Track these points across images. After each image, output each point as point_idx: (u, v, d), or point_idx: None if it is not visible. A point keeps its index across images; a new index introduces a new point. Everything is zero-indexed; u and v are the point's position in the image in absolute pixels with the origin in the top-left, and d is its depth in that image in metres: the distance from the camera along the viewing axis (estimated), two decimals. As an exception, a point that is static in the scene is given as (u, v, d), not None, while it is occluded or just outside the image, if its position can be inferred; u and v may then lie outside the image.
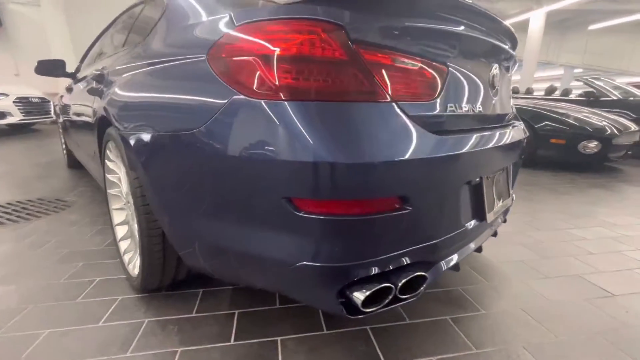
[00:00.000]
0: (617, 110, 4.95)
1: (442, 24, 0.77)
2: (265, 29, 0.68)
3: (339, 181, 0.60)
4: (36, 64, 2.35)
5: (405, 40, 0.71)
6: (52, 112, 6.09)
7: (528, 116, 3.82)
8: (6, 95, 5.26)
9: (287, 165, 0.61)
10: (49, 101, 6.09)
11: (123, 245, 1.28)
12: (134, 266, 1.18)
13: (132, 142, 0.93)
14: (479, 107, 0.93)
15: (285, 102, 0.62)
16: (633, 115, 4.84)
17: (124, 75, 1.09)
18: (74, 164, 3.28)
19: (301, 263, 0.67)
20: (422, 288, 0.78)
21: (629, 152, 3.81)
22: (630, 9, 10.71)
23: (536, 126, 3.75)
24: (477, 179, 0.90)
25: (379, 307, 0.72)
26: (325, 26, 0.64)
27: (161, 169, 0.87)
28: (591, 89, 5.25)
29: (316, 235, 0.64)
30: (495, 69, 1.01)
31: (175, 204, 0.87)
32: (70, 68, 2.47)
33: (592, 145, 3.48)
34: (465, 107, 0.86)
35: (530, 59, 11.59)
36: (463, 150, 0.76)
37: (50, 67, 2.39)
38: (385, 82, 0.68)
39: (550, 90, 6.18)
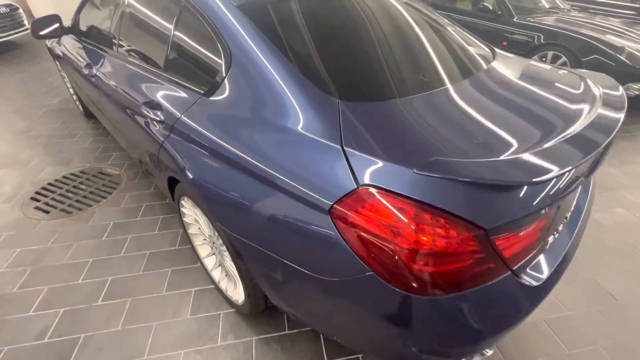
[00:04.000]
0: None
1: (560, 196, 0.75)
2: (402, 209, 0.67)
3: None
4: (31, 25, 2.00)
5: (529, 219, 0.72)
6: (27, 23, 5.28)
7: (576, 47, 3.42)
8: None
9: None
10: (17, 8, 5.17)
11: (215, 275, 1.47)
12: (236, 294, 1.36)
13: (244, 250, 0.99)
14: (570, 211, 0.96)
15: (422, 297, 0.69)
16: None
17: (205, 153, 1.02)
18: (89, 113, 3.14)
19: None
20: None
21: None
22: None
23: (583, 60, 3.41)
24: None
25: None
26: (471, 227, 0.65)
27: (279, 279, 0.95)
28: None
29: None
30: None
31: (287, 299, 1.01)
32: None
33: (637, 87, 3.27)
34: (562, 224, 0.90)
35: None
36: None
37: (46, 25, 2.04)
38: (509, 258, 0.73)
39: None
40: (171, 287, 1.57)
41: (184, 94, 1.16)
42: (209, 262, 1.52)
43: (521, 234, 0.73)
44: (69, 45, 2.26)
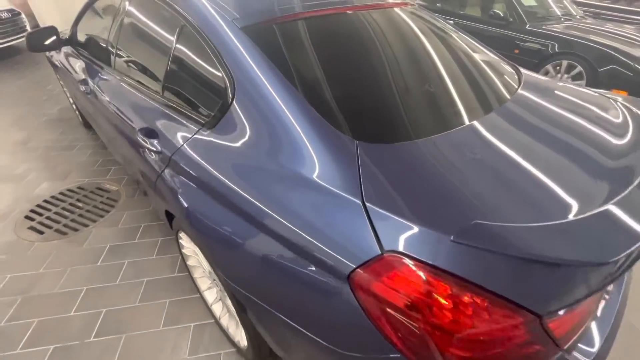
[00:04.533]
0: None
1: (630, 264, 0.62)
2: (436, 284, 0.56)
3: None
4: (25, 38, 1.91)
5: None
6: (29, 29, 5.23)
7: (593, 56, 3.29)
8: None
9: None
10: (20, 13, 5.12)
11: (216, 310, 1.37)
12: (238, 334, 1.24)
13: (248, 304, 0.88)
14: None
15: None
16: None
17: (205, 194, 0.92)
18: (89, 123, 3.06)
19: None
20: None
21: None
22: None
23: (600, 70, 3.28)
24: None
25: None
26: (521, 312, 0.54)
27: (288, 341, 0.85)
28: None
29: None
30: None
31: (289, 349, 0.90)
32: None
33: (656, 99, 3.14)
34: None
35: None
36: None
37: (42, 37, 1.96)
38: (560, 338, 0.61)
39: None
40: (169, 321, 1.46)
41: (182, 123, 1.06)
42: (209, 296, 1.42)
43: (576, 310, 0.62)
44: (66, 58, 2.17)
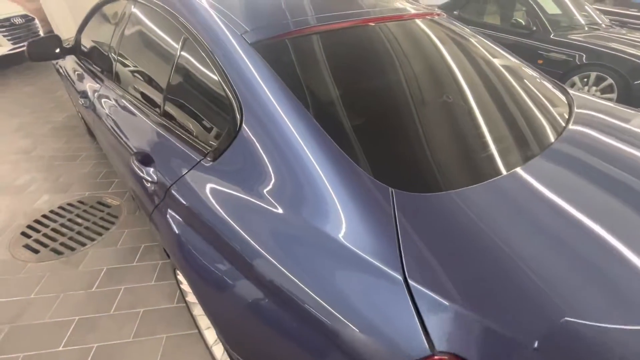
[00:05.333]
0: None
1: None
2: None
3: None
4: (26, 46, 1.82)
5: None
6: (42, 34, 5.25)
7: (626, 69, 3.08)
8: (-16, 18, 4.43)
9: None
10: (33, 19, 5.15)
11: (217, 352, 1.23)
12: None
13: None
14: None
15: None
16: None
17: (203, 241, 0.78)
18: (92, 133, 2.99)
19: None
20: None
21: None
22: None
23: (634, 82, 3.07)
24: None
25: None
26: None
27: None
28: None
29: None
30: None
31: None
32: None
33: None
34: None
35: None
36: None
37: (43, 46, 1.87)
38: None
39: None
40: (165, 361, 1.32)
41: (182, 151, 0.92)
42: (209, 336, 1.27)
43: None
44: (70, 67, 2.08)
